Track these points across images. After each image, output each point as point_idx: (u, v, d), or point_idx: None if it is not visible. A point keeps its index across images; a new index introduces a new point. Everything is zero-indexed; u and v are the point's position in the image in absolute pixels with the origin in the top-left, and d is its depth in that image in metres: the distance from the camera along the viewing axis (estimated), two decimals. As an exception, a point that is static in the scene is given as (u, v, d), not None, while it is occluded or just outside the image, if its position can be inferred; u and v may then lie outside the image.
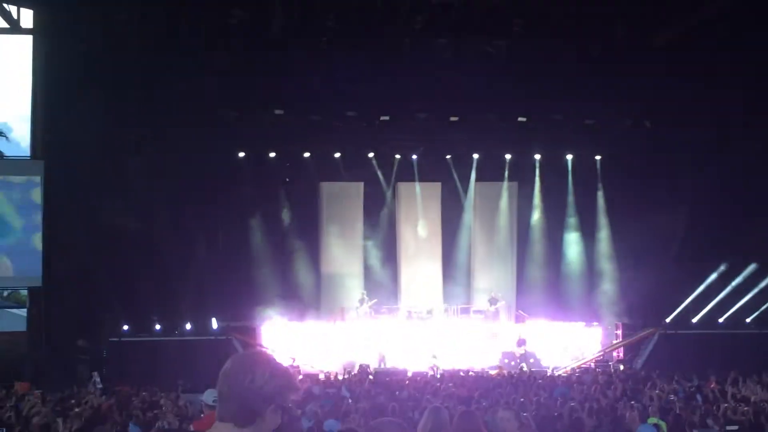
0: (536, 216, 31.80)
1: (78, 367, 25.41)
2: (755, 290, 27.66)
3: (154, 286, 26.25)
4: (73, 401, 17.18)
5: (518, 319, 30.33)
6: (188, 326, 27.59)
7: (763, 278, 27.62)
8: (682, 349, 26.81)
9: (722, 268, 27.99)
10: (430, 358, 27.61)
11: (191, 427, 8.99)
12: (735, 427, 11.17)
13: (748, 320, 28.17)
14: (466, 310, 30.39)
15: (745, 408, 14.53)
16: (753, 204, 27.91)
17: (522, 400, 16.33)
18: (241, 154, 29.96)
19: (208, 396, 9.03)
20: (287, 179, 31.12)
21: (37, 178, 26.17)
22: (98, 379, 23.84)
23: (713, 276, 28.12)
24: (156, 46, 25.68)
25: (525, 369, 26.45)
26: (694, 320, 28.60)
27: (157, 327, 27.18)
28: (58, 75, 26.40)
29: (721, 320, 28.36)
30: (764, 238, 27.54)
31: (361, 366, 26.93)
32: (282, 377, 3.06)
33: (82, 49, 25.92)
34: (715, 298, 28.19)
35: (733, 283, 27.85)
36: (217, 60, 25.99)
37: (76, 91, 25.39)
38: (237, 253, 29.07)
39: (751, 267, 27.70)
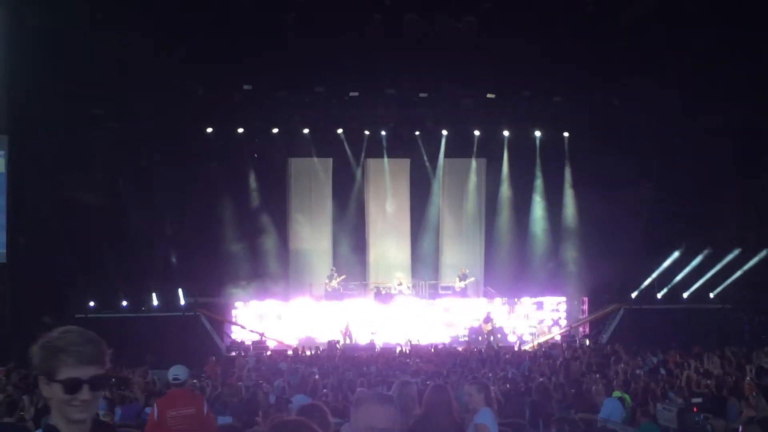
0: (504, 192, 31.92)
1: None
2: (719, 266, 28.00)
3: (121, 262, 26.07)
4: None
5: (486, 295, 30.50)
6: (155, 302, 27.46)
7: (726, 254, 27.95)
8: (647, 324, 27.13)
9: (682, 249, 28.27)
10: (398, 334, 27.76)
11: (154, 404, 8.94)
12: (699, 399, 11.31)
13: (711, 295, 28.53)
14: (434, 287, 30.52)
15: (708, 381, 14.74)
16: (718, 181, 28.21)
17: (490, 375, 16.46)
18: (209, 130, 29.72)
19: (171, 373, 9.02)
20: (255, 155, 30.95)
21: (1, 152, 25.75)
22: None
23: (676, 253, 28.39)
24: (122, 19, 25.27)
25: (492, 344, 26.65)
26: (659, 295, 28.93)
27: (124, 303, 27.01)
28: (21, 49, 25.91)
29: (685, 295, 28.70)
30: (727, 214, 27.93)
31: (329, 342, 26.99)
32: (34, 347, 3.01)
33: (45, 22, 25.44)
34: (680, 273, 28.49)
35: (695, 261, 28.14)
36: (184, 34, 25.65)
37: (39, 65, 24.94)
38: (204, 229, 28.90)
39: (706, 251, 28.03)
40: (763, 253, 28.17)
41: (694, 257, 28.11)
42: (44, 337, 3.03)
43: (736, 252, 27.76)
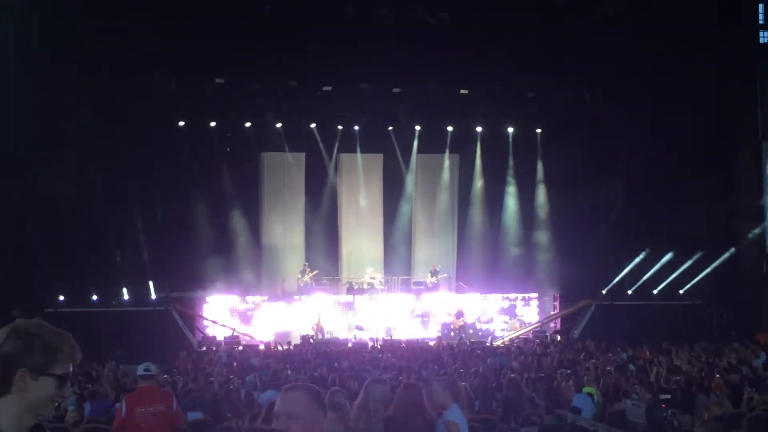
0: (477, 188, 32.01)
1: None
2: (688, 263, 28.25)
3: (91, 255, 25.82)
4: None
5: (458, 290, 30.57)
6: (126, 297, 27.26)
7: (694, 252, 28.21)
8: (618, 320, 27.37)
9: (647, 251, 28.50)
10: (368, 329, 27.79)
11: (123, 400, 8.88)
12: (667, 396, 11.42)
13: (681, 292, 28.79)
14: (406, 282, 30.56)
15: (677, 377, 14.88)
16: (687, 178, 28.48)
17: (461, 370, 16.49)
18: (182, 123, 29.52)
19: (140, 368, 8.97)
20: (228, 149, 30.77)
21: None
22: None
23: (646, 250, 28.59)
24: (94, 10, 25.03)
25: (464, 340, 26.73)
26: (630, 292, 29.15)
27: (94, 297, 26.79)
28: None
29: (655, 292, 28.94)
30: (696, 212, 28.21)
31: (302, 337, 26.97)
32: (19, 339, 2.88)
33: (17, 12, 25.14)
34: (650, 270, 28.72)
35: (664, 259, 28.37)
36: (157, 26, 25.44)
37: (10, 55, 24.65)
38: (176, 223, 28.68)
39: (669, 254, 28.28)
40: (731, 251, 28.52)
41: (663, 255, 28.31)
42: (23, 328, 2.94)
43: (701, 253, 28.05)
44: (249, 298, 28.82)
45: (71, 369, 2.97)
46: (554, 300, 30.33)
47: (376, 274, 29.79)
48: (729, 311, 28.98)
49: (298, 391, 3.55)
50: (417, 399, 6.62)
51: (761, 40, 30.18)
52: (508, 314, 29.86)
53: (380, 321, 28.58)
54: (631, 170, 28.30)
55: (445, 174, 32.29)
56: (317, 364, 18.73)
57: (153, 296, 27.50)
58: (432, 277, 29.81)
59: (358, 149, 31.47)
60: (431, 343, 26.13)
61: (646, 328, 25.96)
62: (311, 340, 26.56)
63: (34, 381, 2.89)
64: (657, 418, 9.79)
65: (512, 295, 29.94)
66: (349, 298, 29.17)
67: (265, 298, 29.09)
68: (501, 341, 28.02)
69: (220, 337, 27.48)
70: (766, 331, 26.62)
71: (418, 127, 31.35)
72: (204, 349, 25.78)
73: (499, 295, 29.82)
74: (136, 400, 8.65)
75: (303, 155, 31.43)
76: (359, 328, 28.18)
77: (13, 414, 2.88)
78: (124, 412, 8.51)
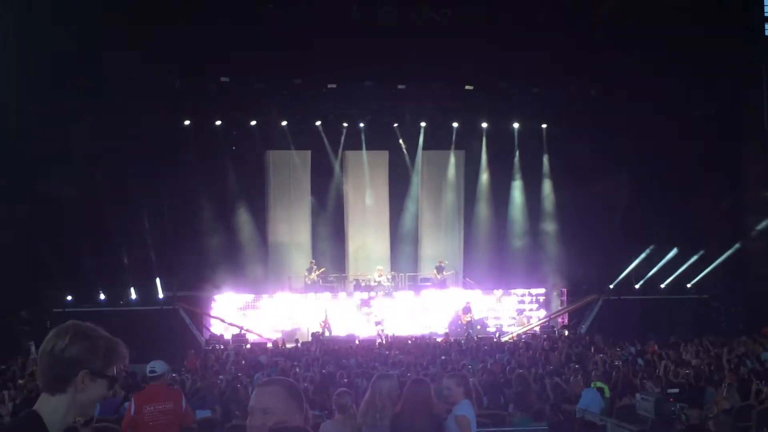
0: (483, 184, 31.98)
1: (21, 338, 24.96)
2: (695, 256, 28.21)
3: (99, 255, 25.88)
4: (16, 372, 16.93)
5: (465, 286, 30.56)
6: (133, 296, 27.32)
7: (702, 246, 28.16)
8: (625, 315, 27.31)
9: (653, 246, 28.43)
10: (376, 326, 27.80)
11: (131, 399, 8.91)
12: (676, 390, 11.42)
13: (689, 285, 28.73)
14: (413, 278, 30.56)
15: (686, 371, 14.86)
16: (694, 172, 28.42)
17: (469, 366, 16.50)
18: (187, 122, 29.55)
19: (148, 367, 9.00)
20: (233, 147, 30.79)
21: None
22: (34, 349, 23.42)
23: (652, 246, 28.50)
24: (96, 9, 25.07)
25: (472, 335, 26.73)
26: (637, 286, 29.09)
27: (102, 297, 26.85)
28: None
29: (662, 285, 28.89)
30: (703, 206, 28.13)
31: (313, 334, 27.00)
32: (86, 341, 2.96)
33: (18, 12, 25.19)
34: (657, 264, 28.65)
35: (671, 253, 28.31)
36: (161, 25, 25.46)
37: (15, 57, 24.70)
38: (183, 222, 28.71)
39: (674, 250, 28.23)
40: (737, 245, 28.45)
41: (670, 249, 28.25)
42: (85, 330, 3.00)
43: (707, 248, 28.00)
44: (256, 296, 28.83)
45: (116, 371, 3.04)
46: (562, 295, 30.29)
47: (383, 271, 29.79)
48: (737, 305, 28.91)
49: (274, 386, 3.52)
50: (425, 394, 6.63)
51: (767, 33, 30.09)
52: (516, 309, 29.83)
53: (390, 318, 28.57)
54: (637, 165, 28.25)
55: (451, 170, 32.26)
56: (325, 361, 18.76)
57: (160, 295, 27.55)
58: (438, 273, 29.80)
59: (364, 146, 31.44)
60: (439, 339, 26.14)
61: (654, 323, 25.92)
62: (321, 337, 26.59)
63: (92, 382, 2.96)
64: (666, 412, 9.79)
65: (520, 290, 29.88)
66: (364, 295, 29.18)
67: (274, 296, 29.09)
68: (509, 336, 28.01)
69: (228, 336, 27.53)
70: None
71: (423, 124, 31.33)
72: (212, 347, 25.83)
73: (507, 290, 29.77)
74: (144, 399, 8.68)
75: (308, 153, 31.44)
76: (378, 324, 28.18)
77: (63, 413, 2.93)
78: (133, 411, 8.55)
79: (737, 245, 28.52)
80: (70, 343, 2.93)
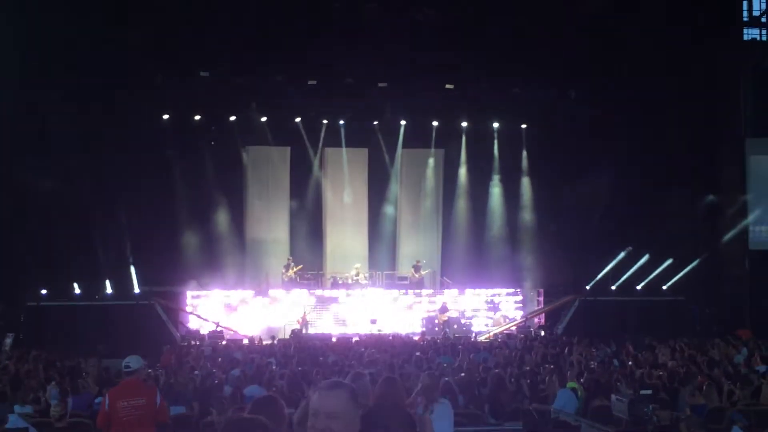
0: (462, 184, 32.02)
1: (-5, 332, 24.76)
2: (670, 260, 28.38)
3: (74, 249, 25.69)
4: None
5: (443, 285, 30.60)
6: (109, 290, 27.13)
7: (678, 248, 28.35)
8: (601, 316, 27.45)
9: (629, 248, 28.54)
10: (372, 324, 27.83)
11: (105, 394, 8.84)
12: (648, 391, 11.49)
13: (664, 287, 28.91)
14: (391, 277, 30.55)
15: (660, 372, 14.94)
16: (672, 173, 28.62)
17: (445, 365, 16.51)
18: (165, 117, 29.34)
19: (123, 362, 8.93)
20: (212, 142, 30.64)
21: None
22: (9, 341, 23.21)
23: (629, 248, 28.62)
24: (78, 5, 24.88)
25: (448, 335, 26.75)
26: (613, 287, 29.23)
27: (77, 291, 26.63)
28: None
29: (639, 287, 29.05)
30: (678, 210, 28.33)
31: (293, 331, 26.93)
32: None
33: (3, 5, 24.97)
34: (633, 266, 28.80)
35: (642, 260, 28.46)
36: (142, 20, 25.31)
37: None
38: (160, 217, 28.50)
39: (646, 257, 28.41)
40: (712, 248, 28.68)
41: (646, 252, 28.40)
42: None
43: (681, 251, 28.18)
44: (233, 292, 28.74)
45: None
46: (538, 295, 30.40)
47: (360, 269, 29.78)
48: (711, 307, 29.15)
49: (340, 390, 3.48)
50: (396, 392, 6.62)
51: (745, 37, 30.35)
52: (492, 309, 29.91)
53: (365, 316, 28.57)
54: (615, 166, 28.38)
55: (430, 169, 32.28)
56: (301, 359, 18.69)
57: (136, 290, 27.37)
58: (416, 272, 29.82)
59: (343, 144, 31.39)
60: (415, 338, 26.16)
61: (630, 324, 26.06)
62: (299, 335, 26.51)
63: None
64: (638, 413, 9.86)
65: (496, 290, 29.96)
66: (334, 293, 29.15)
67: (251, 292, 29.01)
68: (485, 336, 28.07)
69: (204, 332, 27.40)
70: (748, 327, 26.85)
71: (403, 122, 31.33)
72: (187, 343, 25.69)
73: (484, 290, 29.83)
74: (118, 394, 8.61)
75: (288, 149, 31.34)
76: (373, 322, 28.14)
77: None
78: (107, 406, 8.49)
79: (712, 248, 28.74)
80: None
